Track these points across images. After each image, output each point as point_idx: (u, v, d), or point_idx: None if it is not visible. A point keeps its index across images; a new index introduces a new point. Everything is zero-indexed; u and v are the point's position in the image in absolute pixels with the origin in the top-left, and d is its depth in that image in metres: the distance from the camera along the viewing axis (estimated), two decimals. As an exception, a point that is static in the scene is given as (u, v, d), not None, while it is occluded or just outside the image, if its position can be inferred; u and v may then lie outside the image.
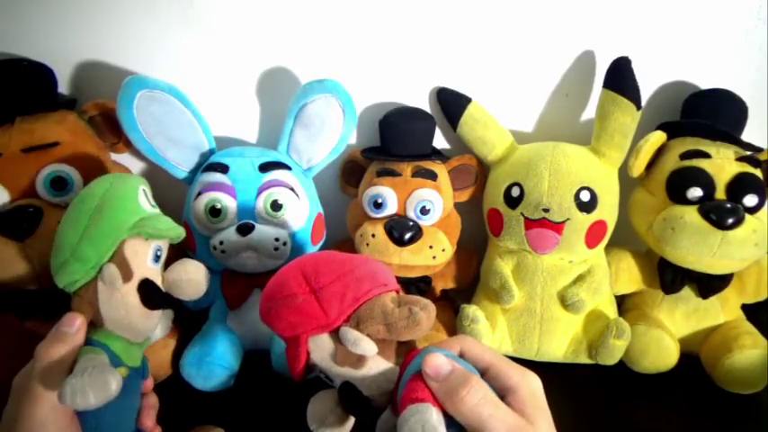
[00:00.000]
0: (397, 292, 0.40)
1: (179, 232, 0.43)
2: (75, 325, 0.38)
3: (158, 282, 0.41)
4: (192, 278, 0.42)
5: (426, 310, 0.36)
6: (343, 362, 0.37)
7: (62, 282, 0.39)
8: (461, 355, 0.37)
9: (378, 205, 0.60)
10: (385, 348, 0.37)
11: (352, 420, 0.38)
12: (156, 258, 0.42)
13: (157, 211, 0.43)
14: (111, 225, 0.38)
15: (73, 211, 0.40)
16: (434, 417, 0.31)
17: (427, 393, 0.33)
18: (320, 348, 0.37)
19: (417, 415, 0.31)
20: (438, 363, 0.33)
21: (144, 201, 0.42)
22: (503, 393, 0.33)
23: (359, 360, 0.37)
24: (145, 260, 0.40)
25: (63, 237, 0.39)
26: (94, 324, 0.39)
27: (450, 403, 0.32)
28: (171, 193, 0.62)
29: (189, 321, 0.60)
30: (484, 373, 0.35)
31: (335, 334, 0.37)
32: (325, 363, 0.37)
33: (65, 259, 0.38)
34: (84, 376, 0.34)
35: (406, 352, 0.38)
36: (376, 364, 0.37)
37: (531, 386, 0.34)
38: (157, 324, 0.43)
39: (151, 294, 0.40)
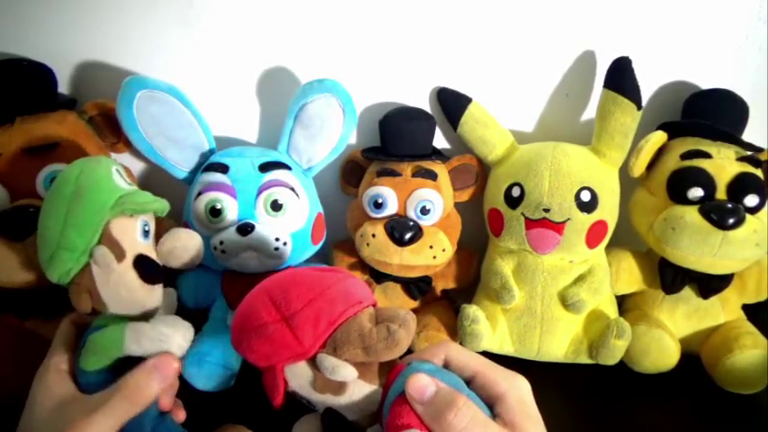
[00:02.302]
0: (374, 305, 0.38)
1: (162, 205, 0.42)
2: (171, 375, 0.37)
3: (153, 256, 0.41)
4: (186, 245, 0.42)
5: (405, 326, 0.35)
6: (324, 389, 0.36)
7: (55, 274, 0.38)
8: (447, 364, 0.36)
9: (378, 205, 0.60)
10: (366, 371, 0.36)
11: None
12: (146, 234, 0.41)
13: (135, 188, 0.42)
14: (91, 208, 0.38)
15: (49, 203, 0.39)
16: None
17: (413, 417, 0.32)
18: (298, 377, 0.36)
19: None
20: (421, 384, 0.32)
21: (119, 179, 0.41)
22: (490, 402, 0.33)
23: (340, 386, 0.36)
24: (134, 237, 0.40)
25: (45, 229, 0.38)
26: (97, 311, 0.39)
27: (437, 427, 0.31)
28: (171, 193, 0.62)
29: (189, 321, 0.60)
30: (470, 382, 0.34)
31: (313, 361, 0.36)
32: (304, 391, 0.36)
33: (52, 251, 0.38)
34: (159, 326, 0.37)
35: (388, 370, 0.36)
36: (358, 387, 0.36)
37: (520, 393, 0.33)
38: (161, 298, 0.42)
39: (148, 268, 0.39)
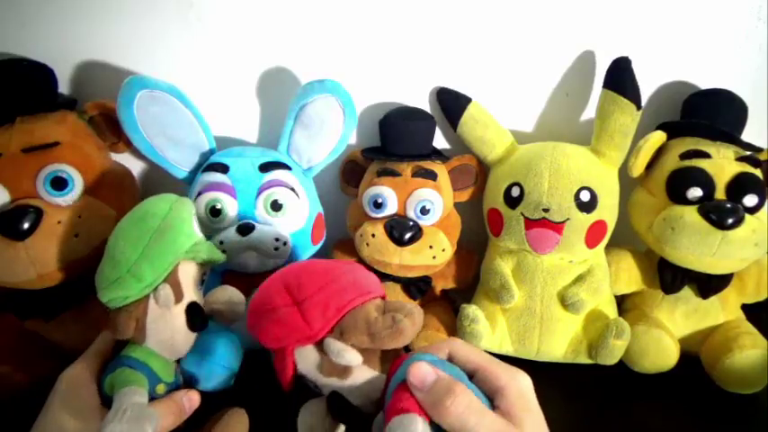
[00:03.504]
0: (383, 297, 0.40)
1: (223, 257, 0.44)
2: (194, 404, 0.41)
3: (201, 304, 0.43)
4: (235, 307, 0.44)
5: (411, 317, 0.36)
6: (330, 372, 0.37)
7: (110, 296, 0.39)
8: (450, 358, 0.36)
9: (378, 205, 0.60)
10: (370, 357, 0.37)
11: (342, 428, 0.38)
12: (202, 282, 0.43)
13: (203, 236, 0.44)
14: (171, 248, 0.39)
15: (132, 229, 0.40)
16: (420, 427, 0.31)
17: (412, 403, 0.32)
18: (306, 360, 0.38)
19: (402, 427, 0.31)
20: (422, 371, 0.33)
21: (196, 226, 0.43)
22: (491, 395, 0.33)
23: (345, 370, 0.37)
24: (194, 284, 0.42)
25: (120, 253, 0.39)
26: (135, 340, 0.40)
27: (435, 413, 0.32)
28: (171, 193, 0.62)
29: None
30: (472, 376, 0.35)
31: (320, 345, 0.37)
32: (311, 373, 0.38)
33: (120, 275, 0.39)
34: (122, 422, 0.35)
35: (392, 359, 0.38)
36: (362, 373, 0.37)
37: (520, 386, 0.34)
38: (191, 345, 0.44)
39: (197, 317, 0.41)
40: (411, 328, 0.36)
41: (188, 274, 0.41)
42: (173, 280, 0.40)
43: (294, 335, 0.37)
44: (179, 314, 0.41)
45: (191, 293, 0.42)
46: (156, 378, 0.40)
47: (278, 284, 0.39)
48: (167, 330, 0.40)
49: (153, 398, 0.41)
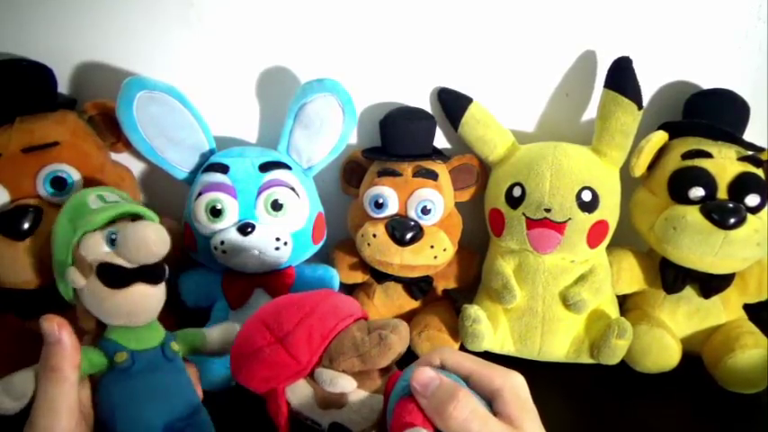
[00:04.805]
0: (365, 318, 0.39)
1: (117, 211, 0.40)
2: (54, 332, 0.35)
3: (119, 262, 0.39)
4: (141, 241, 0.38)
5: (397, 332, 0.36)
6: (326, 404, 0.37)
7: (65, 296, 0.41)
8: (442, 367, 0.36)
9: (379, 205, 0.59)
10: (364, 379, 0.37)
11: None
12: (112, 242, 0.39)
13: (108, 204, 0.41)
14: (61, 234, 0.40)
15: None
16: None
17: (415, 415, 0.32)
18: (299, 396, 0.37)
19: None
20: (426, 376, 0.33)
21: (94, 202, 0.41)
22: (488, 398, 0.33)
23: (341, 398, 0.36)
24: (97, 249, 0.39)
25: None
26: (102, 326, 0.40)
27: (439, 420, 0.31)
28: (171, 194, 0.62)
29: (190, 321, 0.60)
30: (466, 381, 0.34)
31: (311, 378, 0.37)
32: (307, 409, 0.37)
33: (56, 275, 0.40)
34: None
35: (386, 377, 0.37)
36: (358, 397, 0.37)
37: (515, 387, 0.33)
38: (156, 302, 0.40)
39: (109, 273, 0.38)
40: (399, 343, 0.36)
41: (87, 246, 0.39)
42: (77, 259, 0.39)
43: (283, 372, 0.36)
44: (94, 283, 0.38)
45: (98, 259, 0.39)
46: (115, 345, 0.39)
47: (257, 325, 0.38)
48: (94, 301, 0.39)
49: (113, 365, 0.38)
